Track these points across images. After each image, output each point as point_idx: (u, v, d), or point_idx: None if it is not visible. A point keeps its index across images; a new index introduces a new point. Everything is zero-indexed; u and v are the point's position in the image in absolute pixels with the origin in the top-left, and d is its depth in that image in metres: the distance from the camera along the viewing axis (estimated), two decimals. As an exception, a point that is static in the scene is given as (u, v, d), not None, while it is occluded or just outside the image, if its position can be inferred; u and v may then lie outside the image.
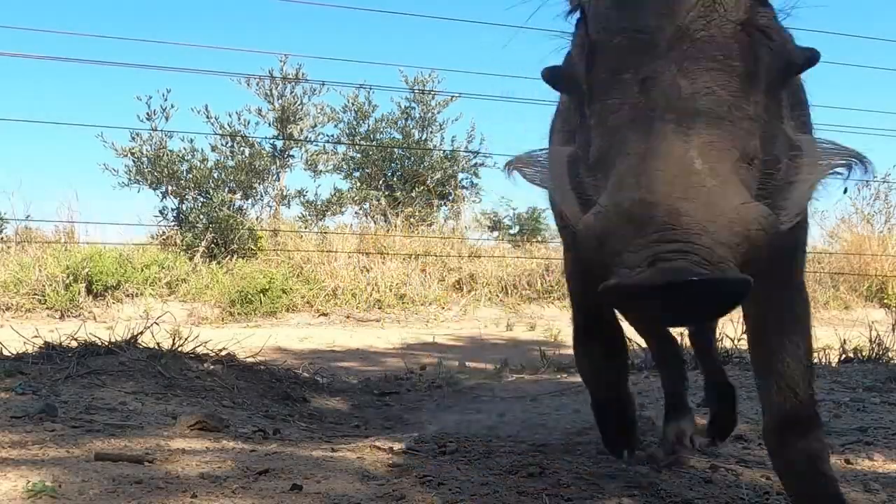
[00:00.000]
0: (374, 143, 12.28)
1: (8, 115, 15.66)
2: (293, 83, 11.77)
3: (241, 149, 11.47)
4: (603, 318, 2.01)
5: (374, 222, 11.80)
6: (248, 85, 11.94)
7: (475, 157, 12.53)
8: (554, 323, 8.51)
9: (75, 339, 3.76)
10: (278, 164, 11.77)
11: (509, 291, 9.63)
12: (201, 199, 11.07)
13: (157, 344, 3.92)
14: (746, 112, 1.19)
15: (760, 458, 2.26)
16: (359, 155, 12.42)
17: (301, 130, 11.95)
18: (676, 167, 1.10)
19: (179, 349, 3.96)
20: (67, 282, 8.56)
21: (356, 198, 12.10)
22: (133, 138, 11.11)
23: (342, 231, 11.03)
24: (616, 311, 1.79)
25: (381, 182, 12.24)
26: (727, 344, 4.43)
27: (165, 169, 10.92)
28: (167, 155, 11.00)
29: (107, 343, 3.69)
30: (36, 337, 3.83)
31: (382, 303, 9.02)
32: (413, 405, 3.86)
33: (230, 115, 11.69)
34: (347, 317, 8.71)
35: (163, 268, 9.12)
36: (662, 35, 1.17)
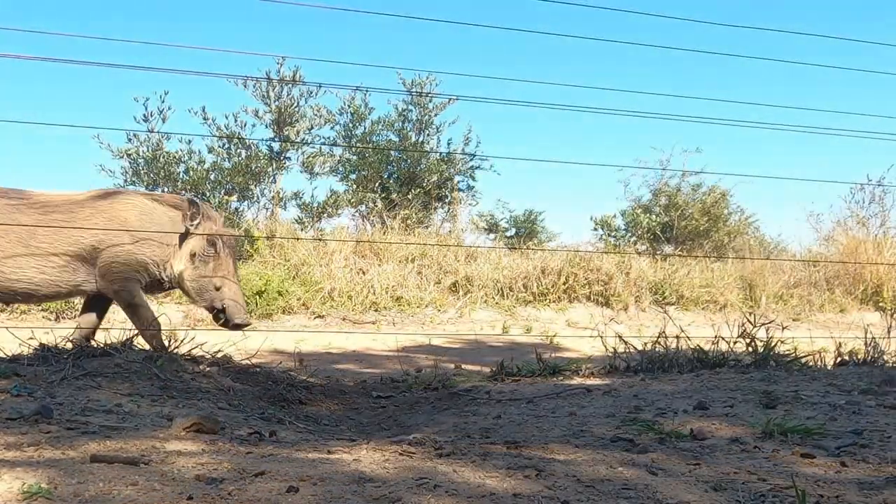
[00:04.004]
0: (371, 145, 12.29)
1: (4, 116, 15.62)
2: (290, 85, 11.77)
3: (238, 150, 11.46)
4: None
5: (371, 225, 11.80)
6: (245, 87, 11.96)
7: (472, 159, 12.55)
8: (550, 325, 8.52)
9: (71, 341, 3.77)
10: (275, 165, 11.77)
11: (505, 294, 9.63)
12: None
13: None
14: None
15: (758, 462, 2.26)
16: (355, 157, 12.42)
17: (298, 132, 11.95)
18: None
19: (175, 351, 3.96)
20: (63, 283, 8.53)
21: (353, 200, 12.10)
22: (130, 139, 11.11)
23: (339, 233, 11.02)
24: None
25: (377, 184, 12.24)
26: (723, 346, 4.44)
27: (162, 170, 10.91)
28: (164, 156, 11.00)
29: (102, 345, 3.69)
30: (31, 339, 3.82)
31: (379, 305, 9.02)
32: (409, 407, 3.86)
33: (227, 117, 11.69)
34: (343, 319, 8.70)
35: (159, 269, 9.10)
36: None
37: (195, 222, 4.36)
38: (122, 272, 4.29)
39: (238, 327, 4.45)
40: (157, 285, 4.50)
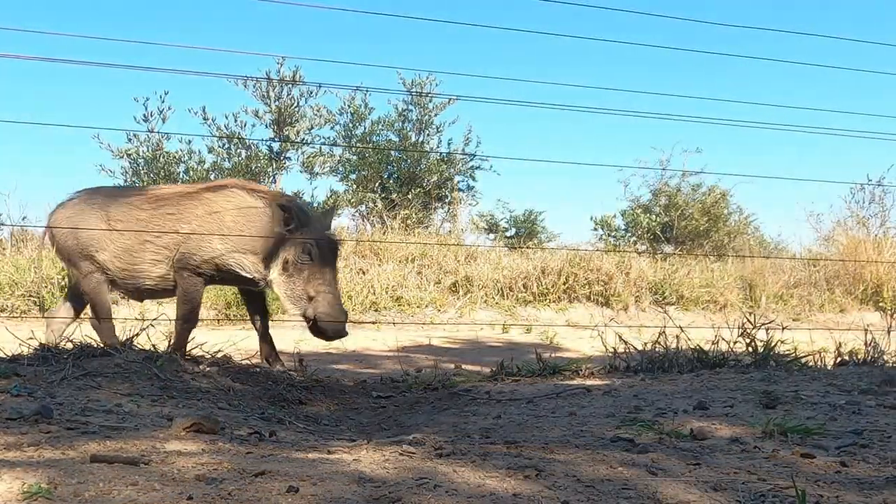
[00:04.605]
0: (371, 145, 12.29)
1: (4, 116, 15.63)
2: (290, 85, 11.78)
3: (238, 150, 11.47)
4: None
5: (371, 225, 11.80)
6: (245, 87, 11.97)
7: (472, 159, 12.56)
8: (550, 326, 8.52)
9: (71, 341, 3.76)
10: (275, 166, 11.77)
11: (505, 294, 9.63)
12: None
13: (153, 346, 3.91)
14: None
15: (758, 461, 2.26)
16: (355, 157, 12.42)
17: (298, 132, 11.95)
18: None
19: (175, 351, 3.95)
20: (63, 283, 8.53)
21: (353, 200, 12.11)
22: (130, 139, 11.12)
23: (338, 234, 11.01)
24: None
25: (377, 184, 12.24)
26: (723, 346, 4.44)
27: (162, 170, 10.92)
28: (164, 156, 11.00)
29: (102, 345, 3.68)
30: (31, 339, 3.82)
31: (378, 305, 9.01)
32: (409, 407, 3.86)
33: (227, 117, 11.71)
34: (343, 319, 8.68)
35: (159, 269, 9.09)
36: None
37: (289, 227, 4.12)
38: (197, 267, 4.23)
39: (332, 339, 4.29)
40: (252, 284, 4.35)
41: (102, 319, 4.48)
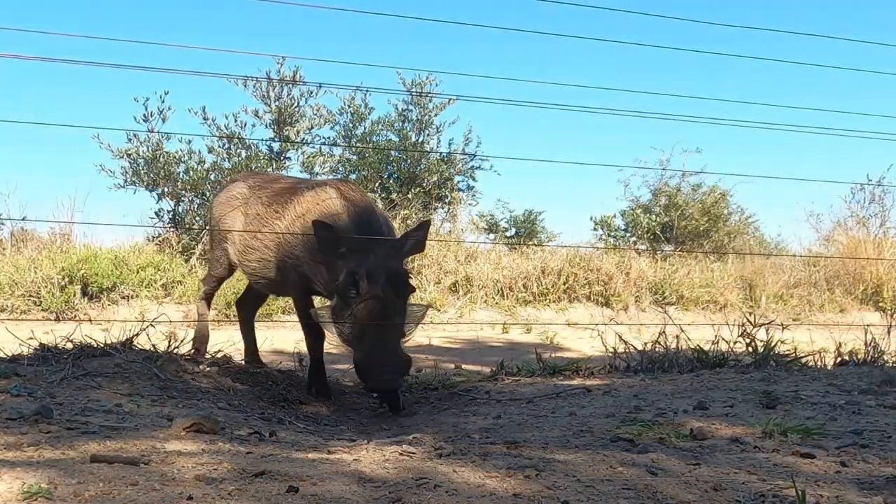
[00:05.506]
0: (371, 145, 12.28)
1: (4, 116, 15.64)
2: (290, 85, 11.76)
3: (238, 150, 11.45)
4: None
5: (371, 225, 11.76)
6: (245, 87, 11.93)
7: (472, 159, 12.54)
8: (550, 326, 8.51)
9: (71, 341, 3.76)
10: (275, 166, 11.75)
11: (505, 294, 9.63)
12: (198, 201, 11.06)
13: (153, 346, 3.91)
14: None
15: (758, 461, 2.26)
16: (355, 157, 12.41)
17: (298, 132, 11.93)
18: None
19: (175, 351, 3.95)
20: (63, 283, 8.54)
21: (353, 200, 12.10)
22: (130, 139, 11.09)
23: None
24: None
25: (377, 184, 12.22)
26: (723, 346, 4.44)
27: (162, 170, 10.90)
28: (164, 156, 10.98)
29: (102, 345, 3.68)
30: (31, 339, 3.82)
31: (378, 305, 8.98)
32: (409, 407, 3.86)
33: (227, 117, 11.67)
34: (344, 319, 8.67)
35: (158, 270, 9.10)
36: None
37: (337, 251, 3.46)
38: (289, 276, 3.89)
39: (374, 391, 3.57)
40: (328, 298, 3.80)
41: (208, 290, 4.74)
